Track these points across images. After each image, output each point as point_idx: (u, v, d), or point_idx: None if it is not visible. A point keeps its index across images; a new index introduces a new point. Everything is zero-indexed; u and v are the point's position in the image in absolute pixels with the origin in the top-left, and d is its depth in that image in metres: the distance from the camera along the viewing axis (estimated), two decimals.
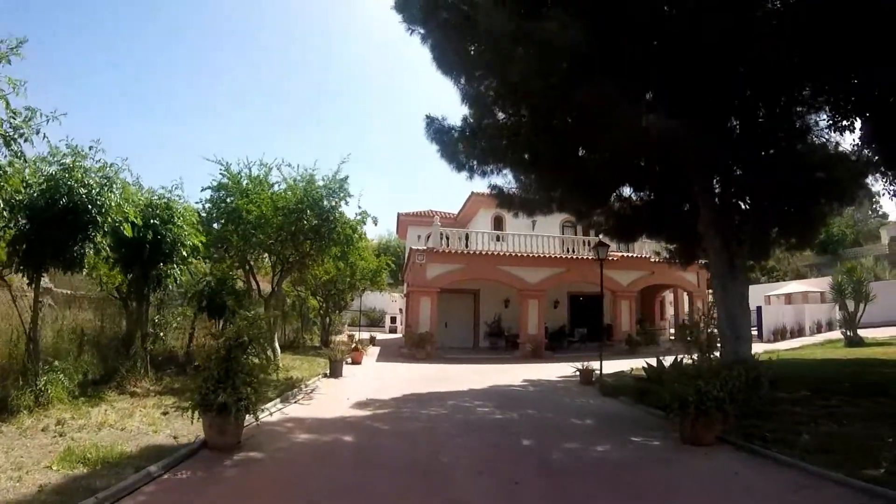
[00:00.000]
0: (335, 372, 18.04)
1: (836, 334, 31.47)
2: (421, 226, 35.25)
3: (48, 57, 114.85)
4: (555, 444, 9.77)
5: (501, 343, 29.54)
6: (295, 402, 13.49)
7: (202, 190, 17.38)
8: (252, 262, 19.09)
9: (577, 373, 17.91)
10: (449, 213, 37.19)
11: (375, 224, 17.65)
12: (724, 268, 13.89)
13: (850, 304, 27.00)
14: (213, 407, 8.27)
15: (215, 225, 17.31)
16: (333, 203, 16.82)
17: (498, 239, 28.59)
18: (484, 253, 27.21)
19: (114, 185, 11.00)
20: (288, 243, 17.03)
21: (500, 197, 18.47)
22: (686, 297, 35.47)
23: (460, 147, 16.28)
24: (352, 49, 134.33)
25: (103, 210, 10.37)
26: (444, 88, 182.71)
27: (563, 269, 28.08)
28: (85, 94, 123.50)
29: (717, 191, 14.92)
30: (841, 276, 27.71)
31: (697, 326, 13.58)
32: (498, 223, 32.46)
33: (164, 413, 10.53)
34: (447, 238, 27.34)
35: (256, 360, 9.66)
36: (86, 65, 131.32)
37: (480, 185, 18.14)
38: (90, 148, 11.09)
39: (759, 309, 34.71)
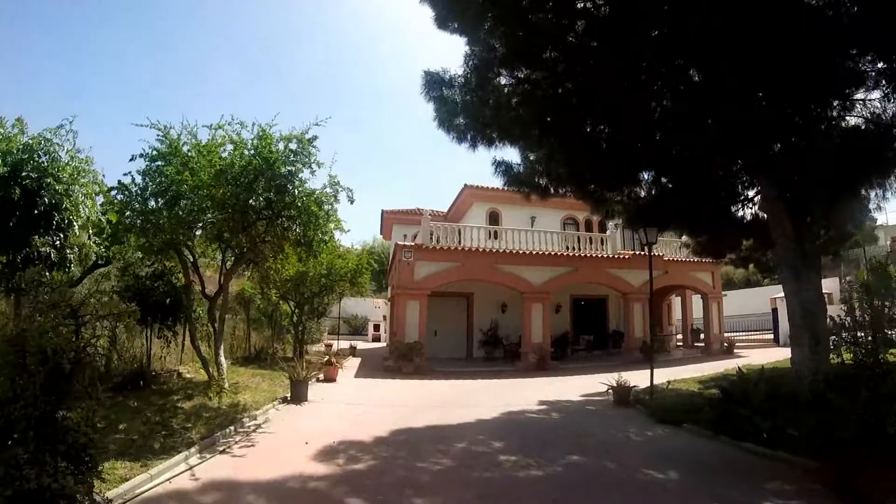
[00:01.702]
0: (298, 395, 13.46)
1: None
2: (408, 224, 30.77)
3: None
4: None
5: (499, 353, 24.99)
6: (226, 450, 8.98)
7: (131, 159, 12.67)
8: (192, 252, 14.39)
9: (610, 390, 13.88)
10: (439, 212, 32.42)
11: (352, 201, 13.01)
12: (795, 255, 11.53)
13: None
14: None
15: (152, 203, 12.67)
16: (294, 169, 12.16)
17: (494, 236, 24.04)
18: (481, 250, 22.71)
19: None
20: (235, 224, 12.34)
21: (506, 175, 15.09)
22: (691, 301, 32.02)
23: (461, 117, 13.41)
24: (330, 41, 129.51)
25: None
26: None
27: (570, 269, 23.70)
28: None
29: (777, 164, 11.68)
30: (867, 275, 23.52)
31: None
32: (494, 219, 28.06)
33: None
34: (438, 234, 22.93)
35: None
36: None
37: (484, 156, 14.11)
38: None
39: (774, 311, 31.34)
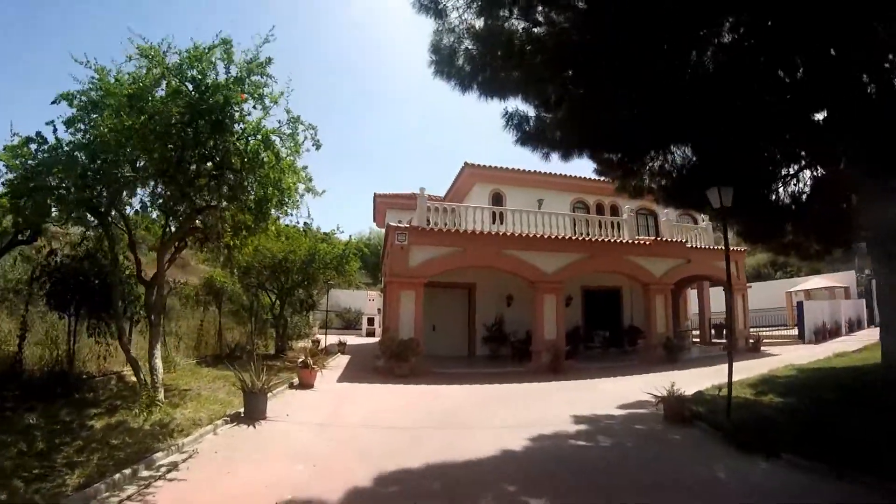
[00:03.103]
0: (252, 411, 9.91)
1: (874, 333, 24.25)
2: (403, 210, 27.17)
3: None
4: None
5: (505, 350, 21.39)
6: None
7: (53, 101, 9.21)
8: (125, 221, 10.89)
9: (657, 401, 10.59)
10: (437, 197, 28.75)
11: (318, 146, 9.54)
12: (886, 233, 9.69)
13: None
14: None
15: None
16: (233, 97, 8.57)
17: (500, 218, 20.41)
18: (485, 233, 19.06)
19: None
20: (171, 178, 8.82)
21: (518, 130, 12.12)
22: (708, 293, 28.61)
23: (462, 59, 10.61)
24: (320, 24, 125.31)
25: None
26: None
27: (584, 255, 20.10)
28: None
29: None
30: None
31: None
32: (497, 201, 24.46)
33: None
34: (435, 215, 19.31)
35: None
36: None
37: (494, 109, 10.93)
38: None
39: (799, 305, 27.83)
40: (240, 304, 23.35)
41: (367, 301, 41.91)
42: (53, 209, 10.22)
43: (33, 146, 9.36)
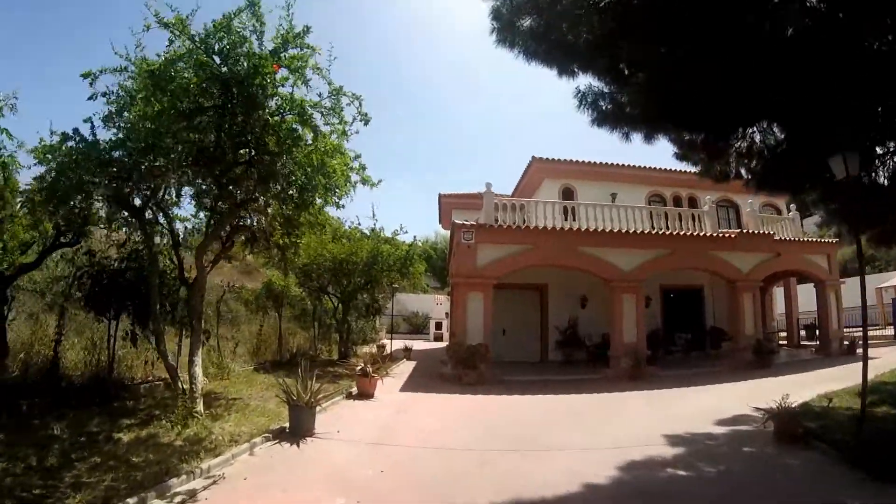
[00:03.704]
0: (298, 427, 8.63)
1: None
2: (469, 210, 25.64)
3: None
4: None
5: (580, 355, 19.59)
6: None
7: (90, 98, 8.34)
8: (165, 215, 9.98)
9: (764, 416, 8.87)
10: (503, 195, 27.07)
11: (366, 121, 8.26)
12: None
13: None
14: None
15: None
16: (264, 66, 7.35)
17: (571, 214, 18.72)
18: (557, 229, 17.43)
19: None
20: (205, 166, 7.74)
21: (594, 109, 10.31)
22: (795, 291, 25.93)
23: (527, 22, 8.89)
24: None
25: None
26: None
27: (665, 251, 18.17)
28: None
29: None
30: None
31: None
32: (568, 197, 22.63)
33: None
34: (503, 212, 17.79)
35: None
36: None
37: (576, 83, 9.35)
38: None
39: (894, 302, 25.56)
40: (301, 309, 22.54)
41: (434, 305, 40.86)
42: (83, 205, 9.38)
43: (70, 143, 8.53)
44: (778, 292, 27.05)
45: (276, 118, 7.60)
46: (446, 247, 38.29)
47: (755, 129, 10.71)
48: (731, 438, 8.79)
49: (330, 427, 9.04)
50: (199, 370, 9.37)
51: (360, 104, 8.07)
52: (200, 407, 8.94)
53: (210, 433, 8.01)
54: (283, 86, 7.68)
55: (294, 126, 7.63)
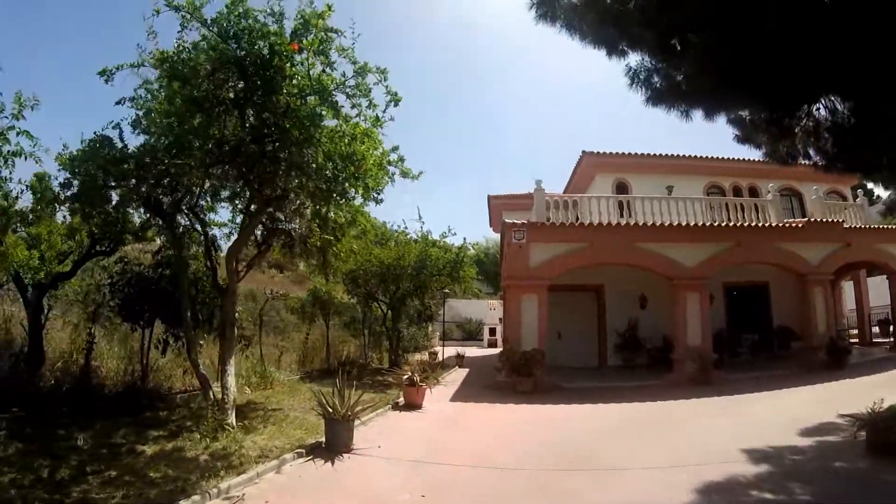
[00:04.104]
0: (335, 441, 7.89)
1: None
2: (519, 211, 24.62)
3: None
4: None
5: (640, 359, 18.37)
6: None
7: (118, 102, 7.87)
8: (196, 216, 9.50)
9: (853, 424, 7.83)
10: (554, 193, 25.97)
11: (396, 101, 7.46)
12: None
13: None
14: None
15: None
16: (282, 47, 6.68)
17: (627, 209, 17.62)
18: (613, 225, 16.39)
19: None
20: (228, 161, 7.12)
21: (647, 86, 9.30)
22: (865, 284, 23.85)
23: None
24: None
25: None
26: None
27: (729, 245, 16.80)
28: None
29: None
30: None
31: None
32: (621, 192, 21.45)
33: None
34: (555, 210, 16.85)
35: None
36: None
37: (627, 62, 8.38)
38: None
39: None
40: (351, 316, 22.01)
41: (488, 311, 40.04)
42: (115, 212, 8.92)
43: (93, 147, 8.10)
44: (847, 286, 25.19)
45: (296, 100, 6.89)
46: (497, 251, 37.39)
47: (822, 103, 9.59)
48: (819, 452, 7.64)
49: (371, 441, 8.27)
50: (231, 380, 8.75)
51: (385, 77, 7.28)
52: (232, 419, 8.33)
53: (240, 447, 7.38)
54: (302, 65, 6.99)
55: (317, 109, 6.91)
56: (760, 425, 9.22)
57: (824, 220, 18.17)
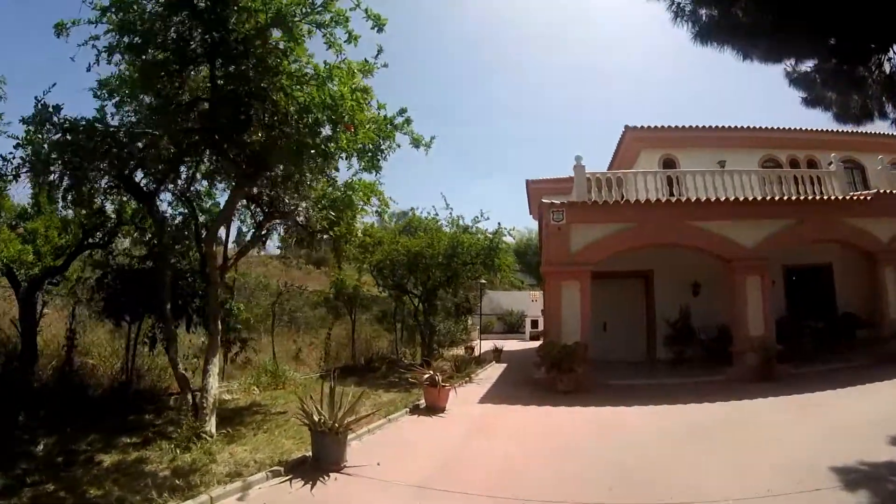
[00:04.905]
0: (323, 459, 6.44)
1: None
2: (561, 195, 23.09)
3: None
4: None
5: (693, 352, 16.55)
6: None
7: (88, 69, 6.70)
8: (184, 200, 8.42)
9: None
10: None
11: (380, 28, 5.98)
12: None
13: None
14: None
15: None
16: None
17: (676, 185, 15.82)
18: (662, 202, 14.71)
19: None
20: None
21: (694, 21, 8.04)
22: None
23: None
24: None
25: None
26: None
27: (792, 222, 14.91)
28: None
29: None
30: None
31: None
32: (669, 168, 19.64)
33: None
34: (597, 190, 15.16)
35: None
36: None
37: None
38: None
39: None
40: (382, 311, 20.78)
41: (530, 302, 38.70)
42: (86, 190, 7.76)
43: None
44: None
45: (253, 37, 5.52)
46: (538, 241, 35.72)
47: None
48: None
49: (372, 455, 6.83)
50: (213, 381, 7.51)
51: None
52: (211, 426, 7.16)
53: (212, 461, 6.22)
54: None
55: (280, 45, 5.53)
56: (846, 432, 7.64)
57: (893, 192, 16.06)
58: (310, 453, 6.61)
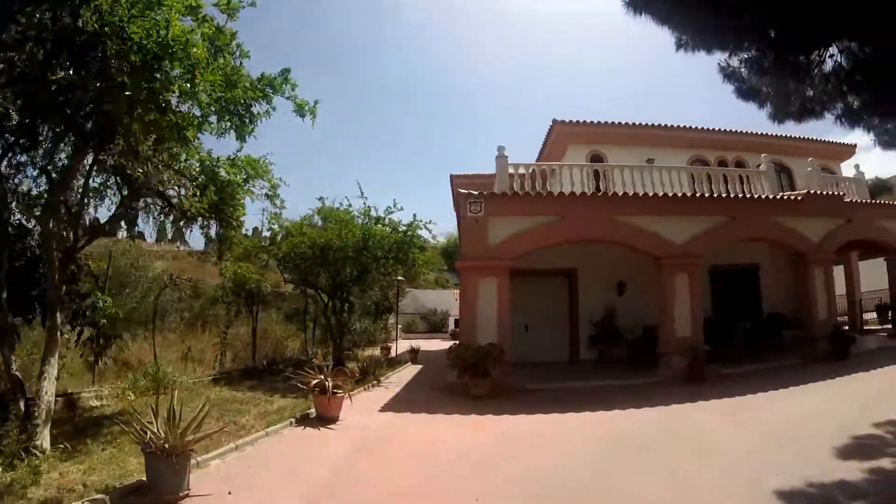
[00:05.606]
0: (159, 487, 5.00)
1: None
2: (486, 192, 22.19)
3: None
4: None
5: (619, 352, 15.90)
6: None
7: None
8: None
9: None
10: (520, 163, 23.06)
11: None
12: None
13: None
14: None
15: None
16: None
17: (604, 179, 15.02)
18: (589, 194, 13.91)
19: None
20: None
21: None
22: (856, 266, 22.04)
23: None
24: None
25: None
26: None
27: (724, 219, 14.46)
28: None
29: None
30: None
31: None
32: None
33: None
34: (520, 181, 14.17)
35: None
36: None
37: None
38: None
39: None
40: (294, 308, 19.28)
41: (454, 301, 37.69)
42: None
43: None
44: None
45: None
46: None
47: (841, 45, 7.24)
48: (878, 485, 5.24)
49: (228, 481, 5.51)
50: (49, 387, 6.03)
51: None
52: (44, 439, 5.72)
53: (35, 482, 4.94)
54: None
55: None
56: (788, 441, 6.92)
57: (824, 192, 15.84)
58: (143, 480, 5.21)
